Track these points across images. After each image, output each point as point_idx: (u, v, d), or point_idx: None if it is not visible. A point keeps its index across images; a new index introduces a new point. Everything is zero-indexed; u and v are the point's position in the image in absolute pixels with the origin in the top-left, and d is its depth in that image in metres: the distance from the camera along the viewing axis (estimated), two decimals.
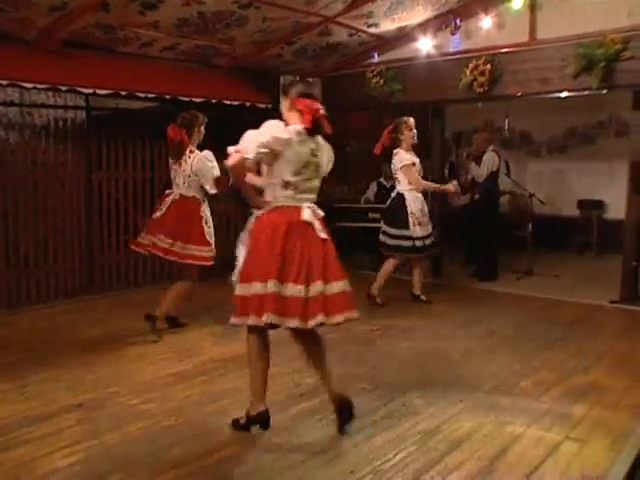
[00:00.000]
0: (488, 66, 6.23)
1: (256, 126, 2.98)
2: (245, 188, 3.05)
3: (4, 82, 5.11)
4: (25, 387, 3.70)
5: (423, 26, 6.66)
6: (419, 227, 5.73)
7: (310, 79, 5.38)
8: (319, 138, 3.10)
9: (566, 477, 2.67)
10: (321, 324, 2.93)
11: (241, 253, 3.09)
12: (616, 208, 7.69)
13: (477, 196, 7.23)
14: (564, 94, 6.21)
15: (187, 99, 6.13)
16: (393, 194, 5.97)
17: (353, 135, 8.51)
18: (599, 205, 9.08)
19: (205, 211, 4.78)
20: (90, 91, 5.56)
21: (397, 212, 5.78)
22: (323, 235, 3.02)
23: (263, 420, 3.11)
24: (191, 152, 4.69)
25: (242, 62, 6.90)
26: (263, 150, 2.92)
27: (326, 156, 3.16)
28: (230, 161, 2.94)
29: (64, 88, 5.45)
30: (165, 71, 6.39)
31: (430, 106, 7.32)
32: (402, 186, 5.80)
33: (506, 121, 8.84)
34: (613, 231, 7.33)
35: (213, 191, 4.66)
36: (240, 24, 5.83)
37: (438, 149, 7.38)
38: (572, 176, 9.22)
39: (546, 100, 6.69)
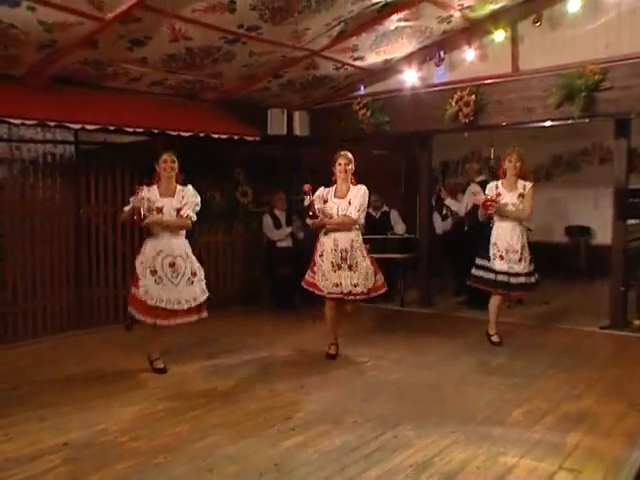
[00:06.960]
0: (473, 97, 6.35)
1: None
2: None
3: None
4: (9, 427, 3.61)
5: (408, 58, 6.78)
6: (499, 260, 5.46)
7: None
8: None
9: None
10: None
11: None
12: (603, 234, 7.76)
13: (466, 228, 7.27)
14: (548, 123, 6.30)
15: (175, 133, 6.17)
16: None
17: None
18: (586, 231, 9.17)
19: None
20: (79, 126, 5.58)
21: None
22: None
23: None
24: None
25: (229, 96, 6.97)
26: None
27: None
28: None
29: (52, 124, 5.46)
30: (153, 105, 6.44)
31: (417, 137, 7.41)
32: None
33: (491, 150, 8.97)
34: (601, 257, 7.37)
35: None
36: (227, 59, 5.91)
37: (426, 178, 7.45)
38: (559, 203, 9.30)
39: (531, 129, 6.80)
